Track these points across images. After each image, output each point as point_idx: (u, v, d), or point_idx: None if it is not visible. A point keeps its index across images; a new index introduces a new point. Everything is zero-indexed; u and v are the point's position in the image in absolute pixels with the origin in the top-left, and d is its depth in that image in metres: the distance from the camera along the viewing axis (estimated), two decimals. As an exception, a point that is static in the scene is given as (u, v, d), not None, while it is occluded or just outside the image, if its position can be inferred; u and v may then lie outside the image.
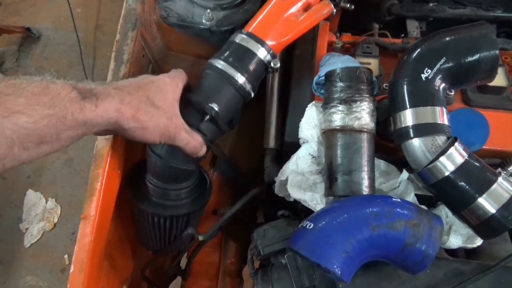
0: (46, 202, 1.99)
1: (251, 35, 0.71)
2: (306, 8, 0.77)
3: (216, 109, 0.67)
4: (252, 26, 0.72)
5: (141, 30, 0.79)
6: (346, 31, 0.96)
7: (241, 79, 0.68)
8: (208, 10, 0.82)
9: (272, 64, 0.71)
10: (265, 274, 0.68)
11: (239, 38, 0.71)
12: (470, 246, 0.68)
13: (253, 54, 0.70)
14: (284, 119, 0.82)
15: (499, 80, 0.77)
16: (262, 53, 0.70)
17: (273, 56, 0.72)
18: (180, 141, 0.63)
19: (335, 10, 0.80)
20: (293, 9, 0.75)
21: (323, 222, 0.57)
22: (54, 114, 0.47)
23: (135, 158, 0.83)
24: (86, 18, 2.40)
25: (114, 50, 0.74)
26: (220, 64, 0.68)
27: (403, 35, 0.99)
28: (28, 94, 0.46)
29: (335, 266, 0.53)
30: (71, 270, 0.66)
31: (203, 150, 0.69)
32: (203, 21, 0.82)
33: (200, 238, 0.74)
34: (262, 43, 0.71)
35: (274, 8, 0.75)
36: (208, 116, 0.67)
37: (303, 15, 0.76)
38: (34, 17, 2.47)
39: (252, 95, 0.72)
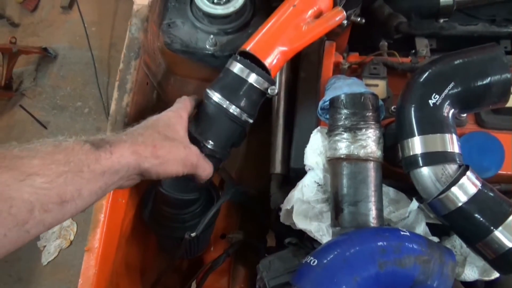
0: (62, 220, 2.02)
1: (245, 63, 0.69)
2: (318, 15, 0.75)
3: (210, 146, 0.68)
4: (252, 43, 0.71)
5: (145, 58, 0.79)
6: (356, 50, 0.95)
7: (236, 110, 0.68)
8: (212, 36, 0.82)
9: (269, 91, 0.70)
10: (271, 308, 0.66)
11: (234, 66, 0.69)
12: (487, 278, 0.64)
13: (247, 84, 0.69)
14: (290, 143, 0.81)
15: (515, 100, 0.74)
16: (257, 82, 0.69)
17: (271, 82, 0.70)
18: (200, 168, 0.64)
19: (346, 21, 0.78)
20: (304, 15, 0.73)
21: (328, 259, 0.54)
22: (70, 170, 0.47)
23: (141, 186, 0.83)
24: (100, 36, 2.46)
25: (118, 79, 0.75)
26: (215, 96, 0.68)
27: (413, 51, 0.96)
28: (43, 154, 0.46)
29: (340, 307, 0.51)
30: (75, 304, 0.66)
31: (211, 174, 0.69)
32: (207, 46, 0.82)
33: (192, 234, 0.75)
34: (257, 70, 0.69)
35: (284, 15, 0.72)
36: (203, 153, 0.68)
37: (314, 22, 0.74)
38: (51, 37, 2.53)
39: (250, 121, 0.72)
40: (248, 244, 0.99)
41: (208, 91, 0.69)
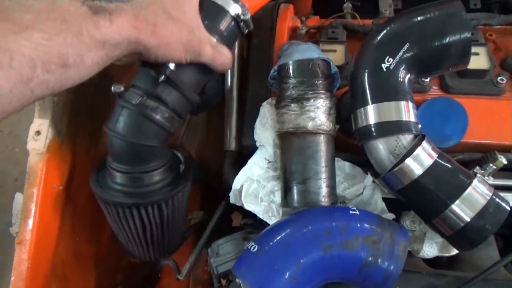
0: (35, 205, 1.96)
1: None
2: None
3: (171, 67, 0.55)
4: None
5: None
6: (321, 13, 0.87)
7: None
8: None
9: (242, 17, 0.61)
10: (220, 295, 0.62)
11: None
12: (446, 254, 0.60)
13: (224, 12, 0.60)
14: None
15: (481, 62, 0.68)
16: (231, 7, 0.60)
17: (243, 7, 0.61)
18: (205, 56, 0.58)
19: None
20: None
21: (269, 244, 0.49)
22: (68, 29, 0.44)
23: (85, 168, 0.76)
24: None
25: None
26: None
27: (379, 14, 0.89)
28: (35, 10, 0.43)
29: (280, 296, 0.47)
30: (8, 302, 0.61)
31: (230, 64, 0.62)
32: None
33: (179, 277, 0.66)
34: None
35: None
36: (162, 76, 0.56)
37: None
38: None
39: None
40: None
41: None
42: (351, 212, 0.51)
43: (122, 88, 0.57)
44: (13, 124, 2.08)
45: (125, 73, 0.67)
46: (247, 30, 0.63)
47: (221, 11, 0.60)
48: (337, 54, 0.73)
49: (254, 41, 0.77)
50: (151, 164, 0.62)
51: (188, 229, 0.91)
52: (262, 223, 0.69)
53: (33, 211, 0.63)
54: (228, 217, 1.03)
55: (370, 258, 0.48)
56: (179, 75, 0.57)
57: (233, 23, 0.61)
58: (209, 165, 0.96)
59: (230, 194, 0.67)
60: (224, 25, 0.60)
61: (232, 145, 0.77)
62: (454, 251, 0.60)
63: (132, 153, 0.60)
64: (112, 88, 0.57)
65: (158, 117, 0.57)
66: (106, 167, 0.64)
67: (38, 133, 0.65)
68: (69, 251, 0.76)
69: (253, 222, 0.72)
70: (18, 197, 2.20)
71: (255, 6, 0.70)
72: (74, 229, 0.76)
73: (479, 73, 0.68)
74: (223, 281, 0.74)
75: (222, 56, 0.59)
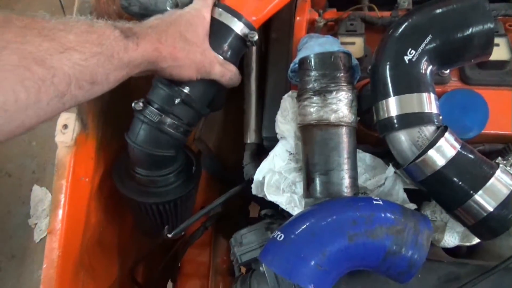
0: (52, 197, 2.00)
1: (226, 8, 0.66)
2: None
3: (186, 91, 0.63)
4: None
5: (99, 24, 0.72)
6: (337, 6, 0.87)
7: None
8: (173, -4, 0.75)
9: (249, 37, 0.66)
10: (244, 283, 0.64)
11: (214, 11, 0.66)
12: (468, 244, 0.61)
13: (229, 30, 0.65)
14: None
15: (501, 53, 0.68)
16: (239, 28, 0.65)
17: (251, 28, 0.67)
18: (215, 75, 0.64)
19: None
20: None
21: (295, 233, 0.51)
22: (102, 53, 0.48)
23: (109, 161, 0.78)
24: (77, 6, 2.33)
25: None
26: None
27: (397, 5, 0.89)
28: (77, 31, 0.47)
29: (307, 283, 0.48)
30: (40, 288, 0.64)
31: (239, 79, 0.69)
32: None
33: (169, 235, 0.70)
34: (239, 16, 0.66)
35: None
36: (178, 99, 0.63)
37: None
38: (26, 9, 2.41)
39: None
40: (229, 216, 0.97)
41: None
42: (374, 202, 0.52)
43: (141, 105, 0.64)
44: (29, 118, 2.12)
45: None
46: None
47: (229, 31, 0.66)
48: (356, 47, 0.73)
49: (272, 34, 0.78)
50: (168, 168, 0.72)
51: (206, 221, 0.93)
52: (282, 214, 0.71)
53: (62, 202, 0.65)
54: (246, 209, 1.05)
55: (394, 247, 0.50)
56: (192, 94, 0.65)
57: (240, 42, 0.67)
58: (226, 157, 0.98)
59: (252, 186, 0.68)
60: (231, 43, 0.66)
61: (252, 137, 0.78)
62: (475, 241, 0.61)
63: (152, 161, 0.69)
64: (133, 105, 0.65)
65: (174, 131, 0.66)
66: (126, 166, 0.73)
67: (65, 126, 0.67)
68: (94, 241, 0.78)
69: (273, 213, 0.73)
70: (36, 190, 2.24)
71: (263, 19, 0.71)
72: (99, 219, 0.78)
73: (499, 64, 0.68)
74: (243, 270, 0.76)
75: (230, 73, 0.66)
